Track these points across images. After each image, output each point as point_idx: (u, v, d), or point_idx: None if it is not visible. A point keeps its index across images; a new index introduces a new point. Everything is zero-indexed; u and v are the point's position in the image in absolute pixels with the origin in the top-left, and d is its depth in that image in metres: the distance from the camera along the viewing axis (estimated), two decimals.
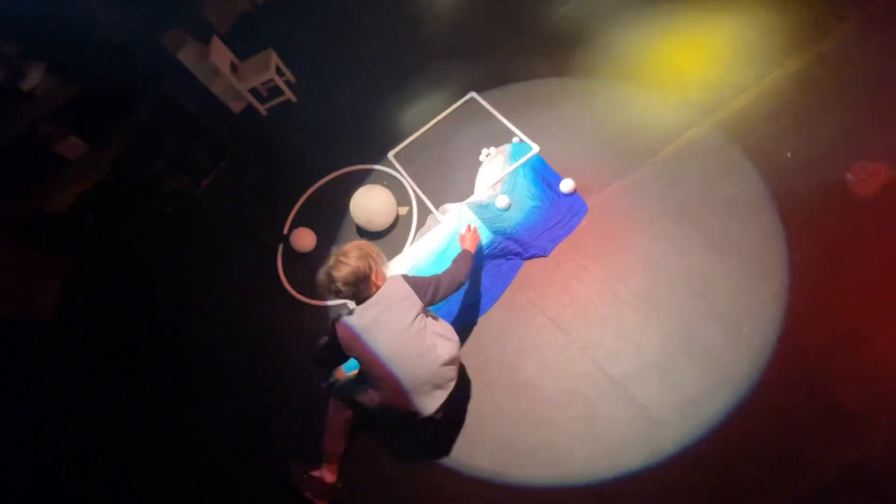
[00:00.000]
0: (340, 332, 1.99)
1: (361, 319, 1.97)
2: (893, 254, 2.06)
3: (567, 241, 2.63)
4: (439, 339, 2.06)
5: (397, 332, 1.95)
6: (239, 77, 3.95)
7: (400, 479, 2.33)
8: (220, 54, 3.86)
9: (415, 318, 1.98)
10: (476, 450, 2.28)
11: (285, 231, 3.40)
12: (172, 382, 3.14)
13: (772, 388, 1.99)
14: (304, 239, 3.18)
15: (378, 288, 2.02)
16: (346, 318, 2.00)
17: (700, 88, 2.81)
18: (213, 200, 3.86)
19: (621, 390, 2.18)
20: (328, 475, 2.36)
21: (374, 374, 2.00)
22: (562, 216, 2.68)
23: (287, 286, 3.14)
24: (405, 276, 2.07)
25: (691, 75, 2.89)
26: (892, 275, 2.02)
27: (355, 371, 2.62)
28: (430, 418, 2.08)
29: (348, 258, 1.93)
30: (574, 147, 2.92)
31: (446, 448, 2.32)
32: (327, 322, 2.88)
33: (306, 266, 3.17)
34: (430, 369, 2.00)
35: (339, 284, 1.93)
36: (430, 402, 2.04)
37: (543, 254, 2.63)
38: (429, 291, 2.06)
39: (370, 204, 2.90)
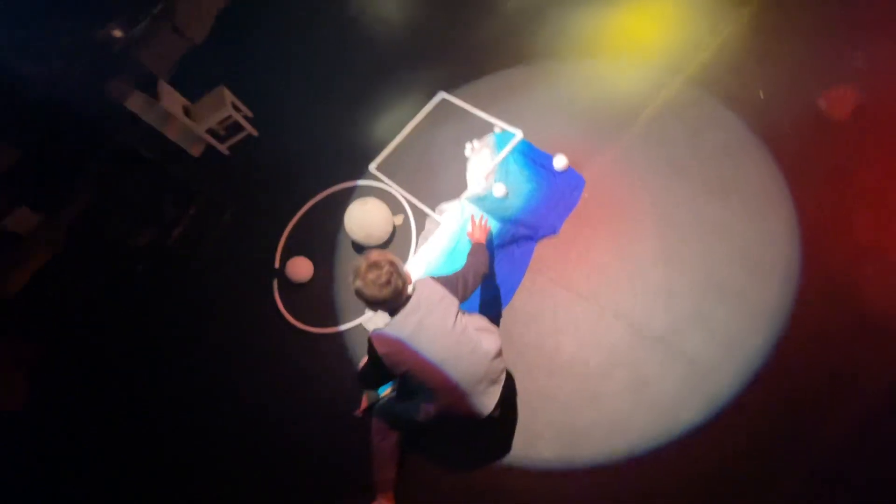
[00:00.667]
0: (383, 348, 1.86)
1: (404, 328, 1.86)
2: (883, 165, 2.18)
3: (573, 214, 2.63)
4: (482, 333, 1.99)
5: (444, 334, 1.86)
6: (194, 119, 3.77)
7: (462, 490, 2.21)
8: (171, 98, 3.68)
9: (456, 318, 1.90)
10: (536, 441, 2.20)
11: (277, 265, 3.23)
12: (184, 443, 2.87)
13: (806, 315, 2.05)
14: (301, 268, 3.02)
15: (408, 294, 1.92)
16: (384, 331, 1.89)
17: (662, 51, 2.92)
18: (188, 249, 3.63)
19: (664, 346, 2.17)
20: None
21: (428, 383, 1.88)
22: (562, 193, 2.69)
23: (293, 321, 2.97)
24: (433, 278, 1.99)
25: (650, 40, 3.01)
26: (888, 184, 2.14)
27: (388, 391, 2.49)
28: (489, 417, 1.98)
29: (382, 269, 1.82)
30: (555, 126, 2.95)
31: (504, 447, 2.23)
32: (346, 345, 2.77)
33: (308, 295, 3.03)
34: (482, 366, 1.92)
35: (381, 296, 1.81)
36: (489, 400, 1.95)
37: (553, 232, 2.62)
38: (459, 287, 1.99)
39: (367, 217, 2.80)
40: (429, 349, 1.84)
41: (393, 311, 1.90)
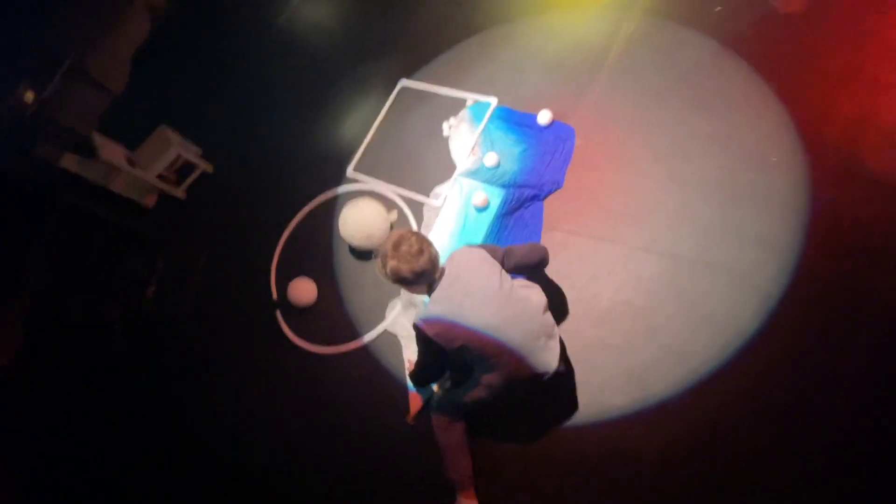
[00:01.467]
0: (432, 331, 1.74)
1: (449, 304, 1.74)
2: (845, 44, 2.28)
3: (572, 164, 2.60)
4: (527, 290, 1.90)
5: (493, 296, 1.76)
6: (141, 167, 3.46)
7: (544, 463, 2.10)
8: (110, 151, 3.36)
9: (501, 278, 1.80)
10: (603, 393, 2.12)
11: (275, 296, 3.00)
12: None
13: (824, 192, 2.09)
14: (304, 290, 2.82)
15: (443, 266, 1.81)
16: (429, 315, 1.75)
17: None
18: (169, 308, 3.31)
19: (702, 264, 2.16)
20: (468, 502, 2.07)
21: (486, 352, 1.76)
22: (554, 146, 2.65)
23: (311, 347, 2.76)
24: (467, 246, 1.89)
25: None
26: (855, 59, 2.23)
27: (437, 387, 2.35)
28: (555, 375, 1.89)
29: (410, 240, 1.72)
30: (528, 85, 2.91)
31: (571, 407, 2.13)
32: (375, 355, 2.60)
33: (319, 316, 2.83)
34: (537, 322, 1.83)
35: (419, 266, 1.70)
36: (551, 356, 1.86)
37: (558, 186, 2.57)
38: (498, 253, 1.89)
39: (364, 218, 2.64)
40: (480, 316, 1.73)
41: (431, 287, 1.78)
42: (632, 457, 1.98)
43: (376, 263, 1.81)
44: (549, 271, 2.40)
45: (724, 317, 2.06)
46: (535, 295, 1.90)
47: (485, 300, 1.75)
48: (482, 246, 1.89)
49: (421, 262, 1.70)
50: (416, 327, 1.78)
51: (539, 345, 1.83)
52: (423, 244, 1.73)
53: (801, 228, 2.07)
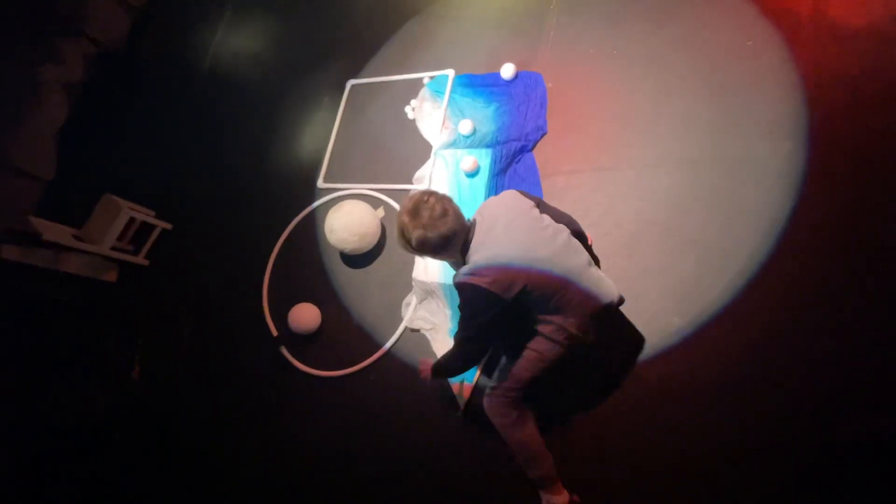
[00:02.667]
0: (487, 280, 1.48)
1: (495, 247, 1.53)
2: None
3: (550, 108, 2.50)
4: (557, 222, 1.72)
5: (539, 231, 1.58)
6: (92, 242, 3.14)
7: (632, 412, 1.89)
8: (53, 232, 3.03)
9: (540, 214, 1.63)
10: (658, 318, 1.96)
11: (275, 333, 2.72)
12: None
13: (805, 58, 2.05)
14: (305, 317, 2.55)
15: (472, 222, 1.62)
16: (475, 266, 1.51)
17: None
18: (160, 382, 2.96)
19: (716, 162, 2.08)
20: (558, 498, 1.80)
21: (549, 292, 1.54)
22: (527, 95, 2.55)
23: (327, 373, 2.48)
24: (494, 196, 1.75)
25: None
26: None
27: (477, 375, 2.13)
28: (620, 302, 1.70)
29: (428, 202, 1.51)
30: (480, 49, 2.83)
31: (637, 340, 1.95)
32: (401, 358, 2.36)
33: (328, 338, 2.57)
34: (584, 252, 1.66)
35: (448, 229, 1.50)
36: (609, 284, 1.68)
37: (543, 132, 2.46)
38: (530, 196, 1.72)
39: (353, 218, 2.43)
40: (532, 251, 1.53)
41: (466, 245, 1.58)
42: (709, 379, 1.81)
43: (397, 239, 1.59)
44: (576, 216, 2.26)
45: (756, 205, 1.96)
46: (566, 223, 1.74)
47: (532, 236, 1.56)
48: (508, 191, 1.71)
49: (449, 224, 1.50)
50: (462, 285, 1.53)
51: (594, 275, 1.65)
52: (445, 203, 1.52)
53: (800, 99, 2.02)
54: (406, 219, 1.52)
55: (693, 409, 1.80)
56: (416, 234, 1.50)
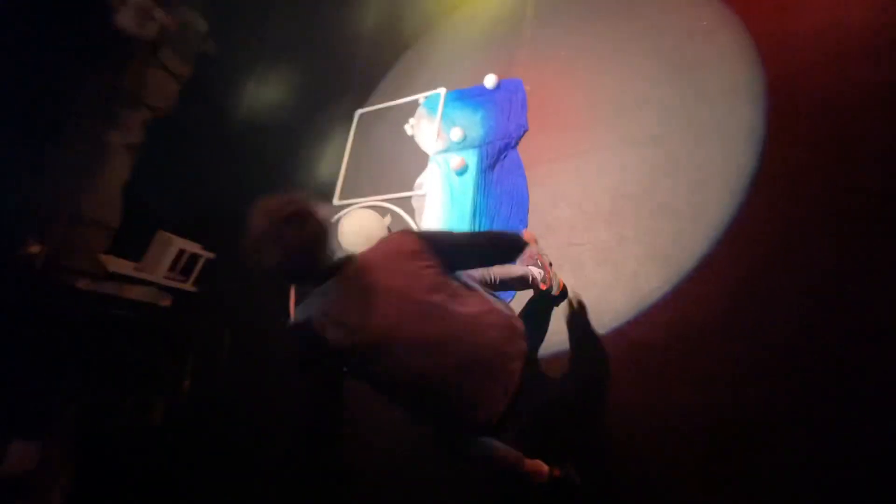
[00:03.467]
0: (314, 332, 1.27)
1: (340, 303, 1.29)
2: None
3: (530, 107, 2.72)
4: (480, 300, 1.44)
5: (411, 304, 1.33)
6: (148, 272, 3.61)
7: (614, 377, 1.99)
8: (116, 265, 3.53)
9: (432, 280, 1.37)
10: (635, 282, 2.06)
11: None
12: None
13: (759, 29, 2.19)
14: None
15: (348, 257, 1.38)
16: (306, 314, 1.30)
17: None
18: (205, 393, 3.30)
19: (680, 133, 2.20)
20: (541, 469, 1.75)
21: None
22: (509, 100, 2.79)
23: None
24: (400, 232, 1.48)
25: None
26: None
27: None
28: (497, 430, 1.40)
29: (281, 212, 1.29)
30: (467, 67, 3.13)
31: (614, 311, 2.06)
32: None
33: None
34: (488, 350, 1.38)
35: (301, 261, 1.29)
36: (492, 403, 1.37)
37: (524, 129, 2.68)
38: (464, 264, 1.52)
39: (361, 223, 2.74)
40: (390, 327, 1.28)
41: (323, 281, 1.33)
42: (687, 334, 1.89)
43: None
44: (546, 200, 2.45)
45: (720, 168, 2.06)
46: (494, 312, 1.40)
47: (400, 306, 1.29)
48: (428, 234, 1.45)
49: (302, 240, 1.24)
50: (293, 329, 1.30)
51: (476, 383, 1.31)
52: (307, 210, 1.27)
53: (755, 66, 2.14)
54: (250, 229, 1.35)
55: (678, 364, 1.87)
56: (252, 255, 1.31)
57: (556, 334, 2.15)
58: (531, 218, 2.46)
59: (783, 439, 1.63)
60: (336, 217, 3.06)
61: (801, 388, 1.65)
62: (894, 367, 1.56)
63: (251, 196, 4.06)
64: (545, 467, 1.77)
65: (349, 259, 1.35)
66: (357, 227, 2.73)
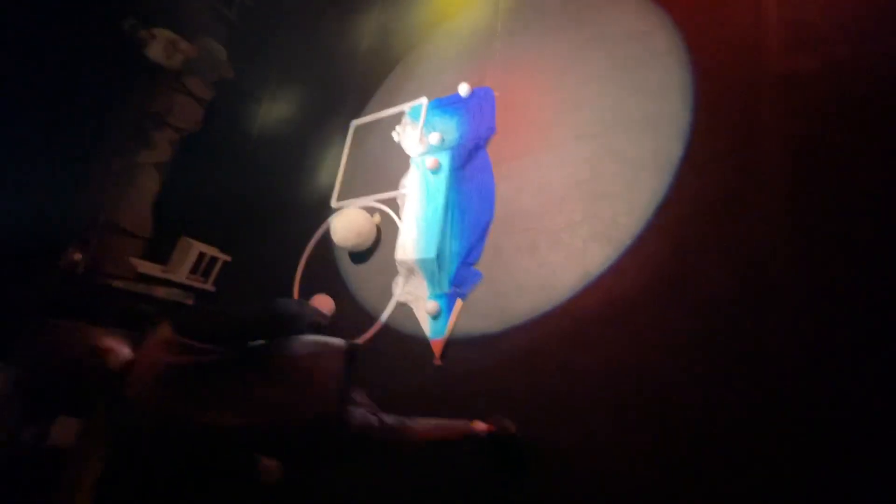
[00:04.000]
0: None
1: None
2: None
3: (499, 111, 3.01)
4: None
5: None
6: (173, 274, 4.06)
7: (559, 344, 2.24)
8: (145, 267, 3.99)
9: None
10: (586, 255, 2.31)
11: None
12: None
13: (688, 30, 2.43)
14: (320, 303, 3.17)
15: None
16: None
17: None
18: None
19: (626, 123, 2.45)
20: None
21: None
22: (480, 106, 3.10)
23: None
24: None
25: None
26: None
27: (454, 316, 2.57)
28: None
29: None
30: (447, 79, 3.44)
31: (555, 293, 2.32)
32: (395, 328, 2.85)
33: (342, 320, 3.14)
34: None
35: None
36: None
37: (492, 131, 2.97)
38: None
39: (350, 220, 3.08)
40: None
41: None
42: (622, 304, 2.13)
43: None
44: (514, 193, 2.72)
45: (654, 153, 2.30)
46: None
47: None
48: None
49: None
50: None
51: None
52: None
53: (687, 64, 2.39)
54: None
55: (614, 330, 2.11)
56: None
57: (508, 312, 2.41)
58: (497, 209, 2.74)
59: (700, 396, 1.85)
60: (331, 217, 3.40)
61: (718, 350, 1.86)
62: (791, 326, 1.76)
63: (262, 203, 4.54)
64: (481, 425, 2.04)
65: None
66: (346, 223, 3.07)
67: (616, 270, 2.21)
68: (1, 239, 3.67)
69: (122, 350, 1.42)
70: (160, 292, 4.02)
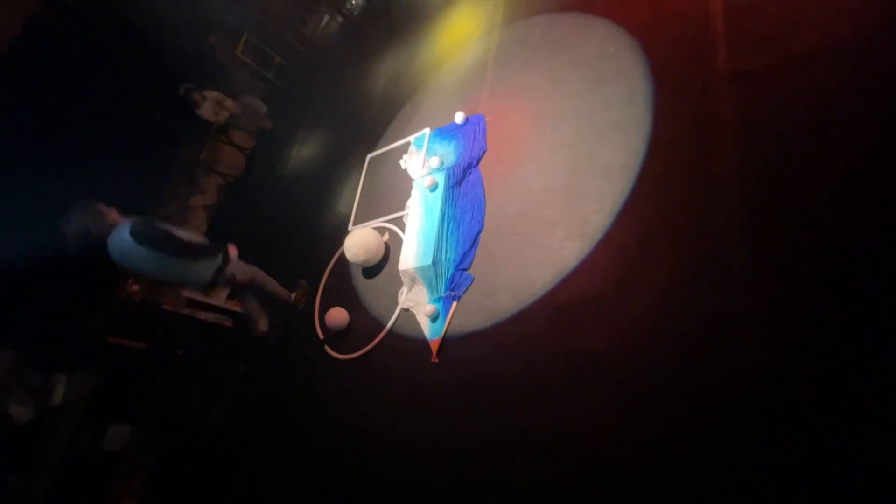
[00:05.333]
0: None
1: None
2: None
3: (490, 133, 3.33)
4: None
5: None
6: (213, 299, 4.53)
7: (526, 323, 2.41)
8: (190, 292, 4.48)
9: None
10: (561, 250, 2.51)
11: (321, 336, 3.66)
12: None
13: (652, 48, 2.67)
14: (336, 315, 3.48)
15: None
16: None
17: (473, 23, 4.03)
18: (255, 392, 4.02)
19: (595, 133, 2.68)
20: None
21: None
22: (473, 132, 3.43)
23: (353, 356, 3.30)
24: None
25: (462, 25, 4.15)
26: None
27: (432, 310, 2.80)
28: None
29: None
30: (446, 111, 3.82)
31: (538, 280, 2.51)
32: (401, 334, 3.09)
33: (356, 331, 3.43)
34: None
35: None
36: None
37: (484, 150, 3.28)
38: None
39: (361, 238, 3.42)
40: None
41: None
42: (593, 295, 2.29)
43: None
44: (501, 203, 2.98)
45: (621, 157, 2.51)
46: None
47: None
48: None
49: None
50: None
51: None
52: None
53: (648, 78, 2.62)
54: None
55: (587, 318, 2.27)
56: None
57: (495, 309, 2.61)
58: (488, 219, 2.99)
59: (662, 375, 1.96)
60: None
61: (678, 336, 1.98)
62: (745, 312, 1.87)
63: (292, 231, 5.03)
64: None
65: None
66: (356, 241, 3.41)
67: (588, 263, 2.39)
68: (75, 269, 4.26)
69: (112, 215, 2.98)
70: (203, 315, 4.49)
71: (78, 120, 5.04)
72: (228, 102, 6.38)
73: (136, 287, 5.10)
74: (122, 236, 2.90)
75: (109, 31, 5.63)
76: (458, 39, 4.20)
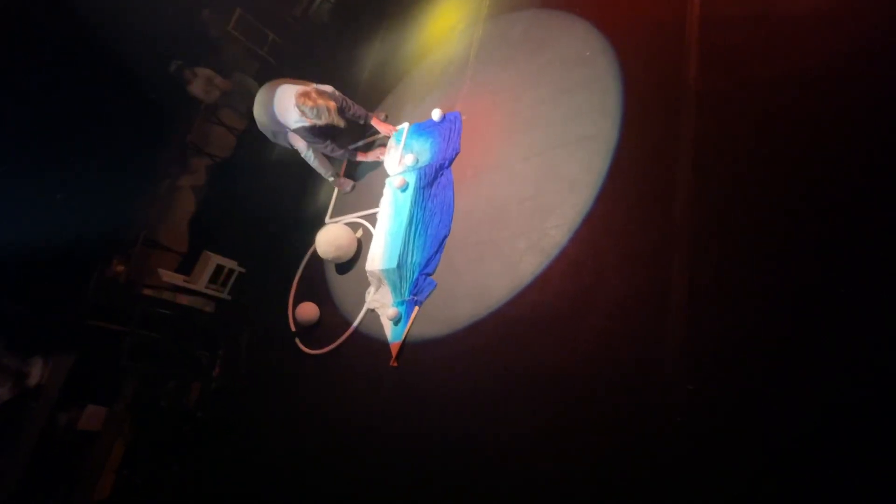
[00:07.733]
0: None
1: None
2: None
3: (465, 133, 3.26)
4: None
5: None
6: (194, 284, 4.57)
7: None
8: (170, 277, 4.53)
9: None
10: (525, 259, 2.48)
11: (293, 329, 3.69)
12: None
13: (627, 60, 2.57)
14: (305, 310, 3.50)
15: None
16: None
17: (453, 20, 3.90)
18: (228, 380, 4.09)
19: (565, 142, 2.62)
20: None
21: None
22: (449, 130, 3.35)
23: (320, 351, 3.34)
24: None
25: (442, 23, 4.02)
26: None
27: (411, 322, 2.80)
28: None
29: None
30: (426, 105, 3.73)
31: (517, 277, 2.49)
32: (365, 333, 3.11)
33: (326, 327, 3.45)
34: None
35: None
36: None
37: (457, 151, 3.21)
38: None
39: (331, 235, 3.40)
40: None
41: None
42: (545, 310, 2.28)
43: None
44: (469, 209, 2.94)
45: (585, 168, 2.45)
46: None
47: None
48: None
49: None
50: None
51: None
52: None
53: (621, 86, 2.53)
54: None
55: (540, 331, 2.26)
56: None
57: (453, 318, 2.61)
58: (454, 224, 2.96)
59: (605, 396, 1.96)
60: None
61: (626, 348, 1.97)
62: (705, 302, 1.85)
63: (273, 220, 5.01)
64: None
65: None
66: (328, 238, 3.40)
67: (543, 278, 2.36)
68: (54, 247, 4.29)
69: None
70: (184, 300, 4.54)
71: (65, 99, 5.01)
72: (219, 80, 6.29)
73: (121, 268, 5.15)
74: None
75: (100, 4, 5.53)
76: (443, 30, 4.07)
